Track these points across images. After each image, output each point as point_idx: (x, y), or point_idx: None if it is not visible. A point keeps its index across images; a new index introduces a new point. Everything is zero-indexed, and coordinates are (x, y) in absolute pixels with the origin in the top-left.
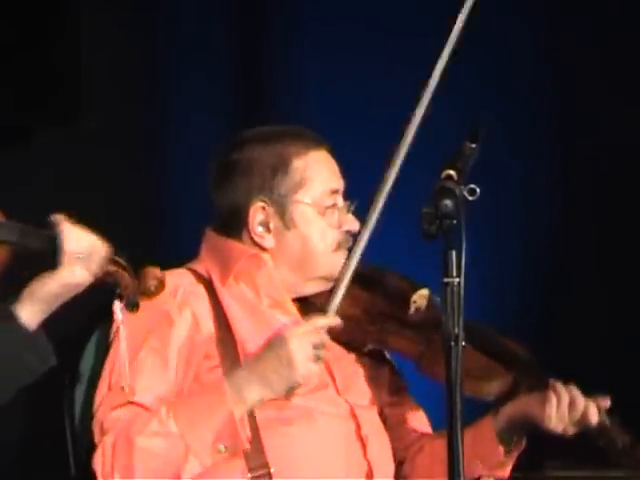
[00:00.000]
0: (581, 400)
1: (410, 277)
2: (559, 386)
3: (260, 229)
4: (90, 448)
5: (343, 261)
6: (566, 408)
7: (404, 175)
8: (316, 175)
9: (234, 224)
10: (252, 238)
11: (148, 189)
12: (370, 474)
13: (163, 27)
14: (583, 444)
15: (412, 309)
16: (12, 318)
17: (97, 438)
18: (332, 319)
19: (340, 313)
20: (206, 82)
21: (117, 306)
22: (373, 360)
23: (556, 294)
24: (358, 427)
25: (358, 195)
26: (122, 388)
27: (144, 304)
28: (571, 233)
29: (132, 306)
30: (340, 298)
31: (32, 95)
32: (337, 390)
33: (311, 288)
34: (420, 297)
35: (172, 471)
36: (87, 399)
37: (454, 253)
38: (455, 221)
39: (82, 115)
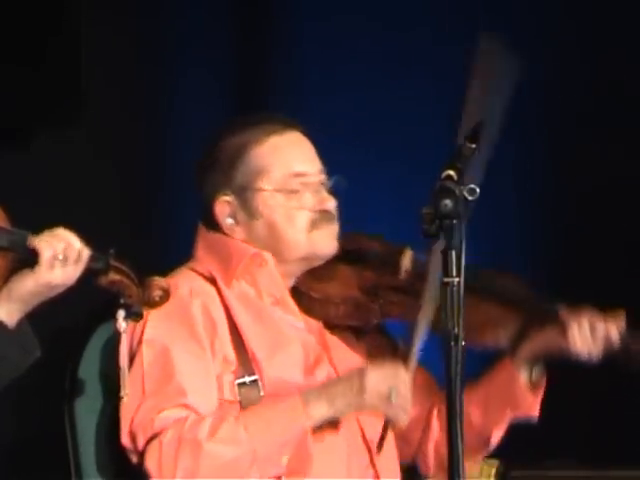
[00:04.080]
0: (600, 320)
1: (384, 238)
2: (575, 312)
3: (230, 221)
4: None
5: (325, 239)
6: (588, 330)
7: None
8: (276, 160)
9: (212, 219)
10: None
11: (149, 189)
12: (377, 477)
13: (163, 27)
14: (584, 444)
15: (402, 273)
16: None
17: (144, 440)
18: (411, 373)
19: (339, 298)
20: (206, 82)
21: (120, 315)
22: (374, 335)
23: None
24: (362, 432)
25: (357, 194)
26: (120, 398)
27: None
28: (569, 231)
29: (135, 316)
30: (417, 350)
31: (32, 96)
32: None
33: (296, 269)
34: (406, 259)
35: (234, 479)
36: (92, 413)
37: (454, 253)
38: (455, 221)
39: (82, 116)
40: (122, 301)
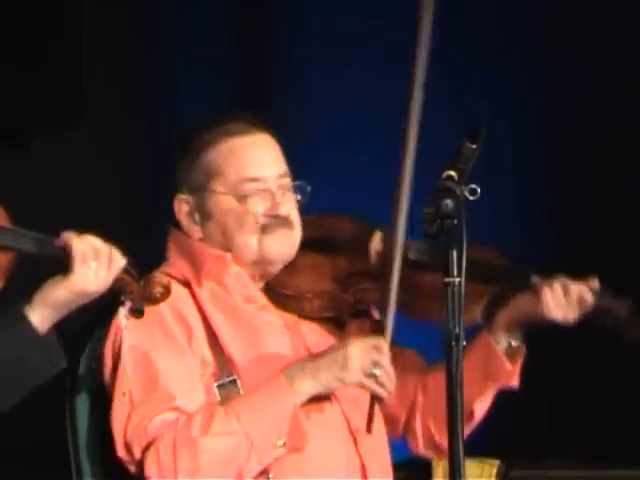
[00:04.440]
0: (573, 284)
1: (354, 215)
2: (547, 279)
3: (188, 221)
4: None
5: (277, 244)
6: (561, 294)
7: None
8: (230, 164)
9: (176, 218)
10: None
11: (149, 189)
12: (363, 469)
13: (164, 27)
14: (584, 443)
15: (373, 257)
16: (23, 320)
17: (140, 449)
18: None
19: (311, 293)
20: (207, 81)
21: (121, 312)
22: (356, 322)
23: None
24: (347, 422)
25: (357, 194)
26: (123, 394)
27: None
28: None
29: (137, 312)
30: (392, 317)
31: (33, 96)
32: None
33: (253, 273)
34: (376, 241)
35: (235, 472)
36: (91, 411)
37: (455, 253)
38: (456, 221)
39: (83, 116)
40: (123, 298)
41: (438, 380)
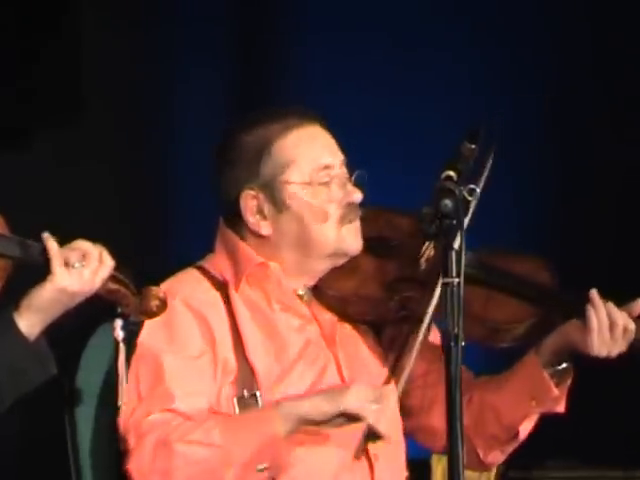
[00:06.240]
0: (620, 319)
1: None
2: (598, 307)
3: (256, 217)
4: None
5: (353, 235)
6: (607, 332)
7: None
8: (301, 153)
9: (233, 216)
10: (249, 228)
11: (149, 190)
12: None
13: (162, 28)
14: (584, 444)
15: (424, 263)
16: (11, 327)
17: (132, 442)
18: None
19: (355, 296)
20: (207, 81)
21: (118, 324)
22: (391, 328)
23: None
24: (366, 448)
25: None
26: (118, 407)
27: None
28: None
29: (133, 325)
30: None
31: (32, 96)
32: None
33: (321, 266)
34: (429, 248)
35: None
36: (92, 419)
37: (454, 253)
38: (455, 221)
39: (82, 116)
40: (119, 310)
41: (485, 397)
